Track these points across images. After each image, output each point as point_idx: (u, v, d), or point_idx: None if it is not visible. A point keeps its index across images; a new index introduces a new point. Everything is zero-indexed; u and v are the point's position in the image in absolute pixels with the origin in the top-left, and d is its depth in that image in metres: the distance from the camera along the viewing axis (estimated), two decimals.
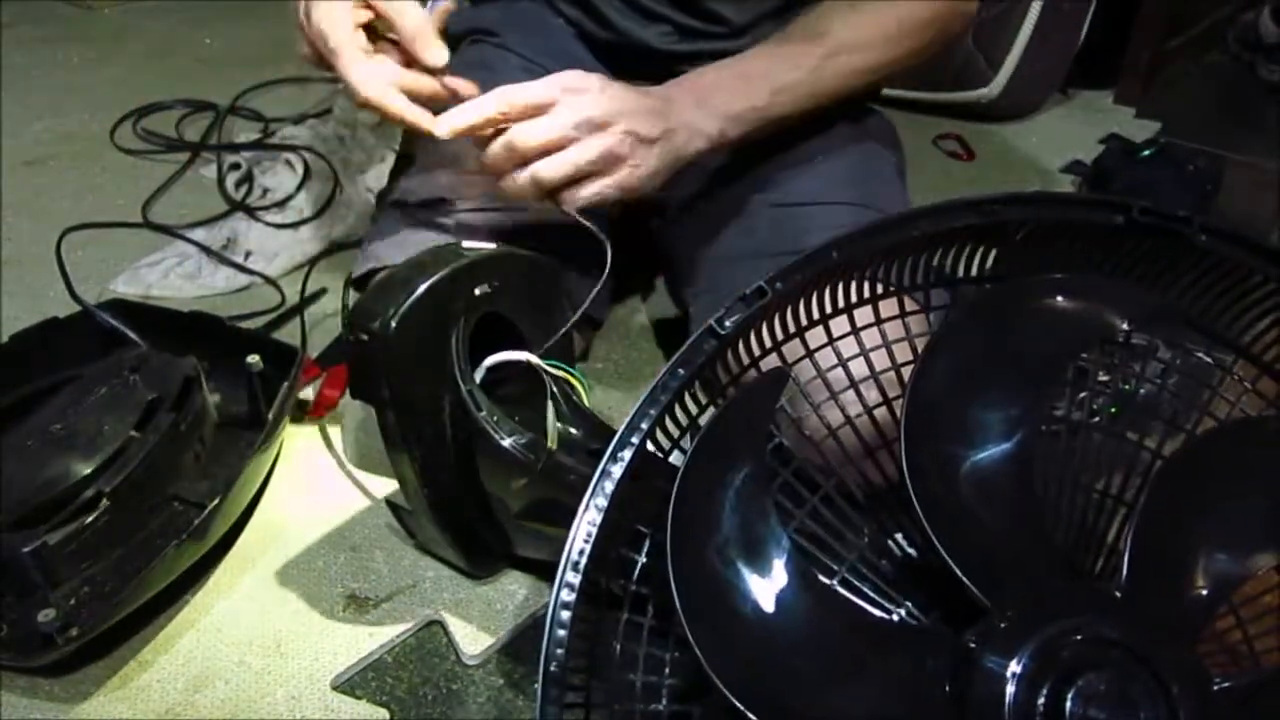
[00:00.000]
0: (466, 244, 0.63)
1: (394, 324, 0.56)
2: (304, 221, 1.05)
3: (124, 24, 1.71)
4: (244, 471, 0.67)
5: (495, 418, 0.59)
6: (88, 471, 0.64)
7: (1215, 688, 0.40)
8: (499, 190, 0.65)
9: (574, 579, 0.41)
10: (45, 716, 0.59)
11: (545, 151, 0.62)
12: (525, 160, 0.63)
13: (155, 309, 0.84)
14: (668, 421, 0.45)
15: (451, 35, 0.92)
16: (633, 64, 0.86)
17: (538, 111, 0.62)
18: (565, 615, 0.41)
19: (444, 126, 0.64)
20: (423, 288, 0.57)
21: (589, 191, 0.64)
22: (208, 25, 1.68)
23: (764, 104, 0.70)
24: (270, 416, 0.71)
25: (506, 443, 0.59)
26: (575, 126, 0.62)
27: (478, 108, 0.63)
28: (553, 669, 0.40)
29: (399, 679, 0.62)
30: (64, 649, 0.58)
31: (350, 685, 0.61)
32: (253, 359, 0.75)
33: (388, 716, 0.59)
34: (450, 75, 0.67)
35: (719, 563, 0.41)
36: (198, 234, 1.04)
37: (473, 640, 0.64)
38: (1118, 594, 0.42)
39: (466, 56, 0.90)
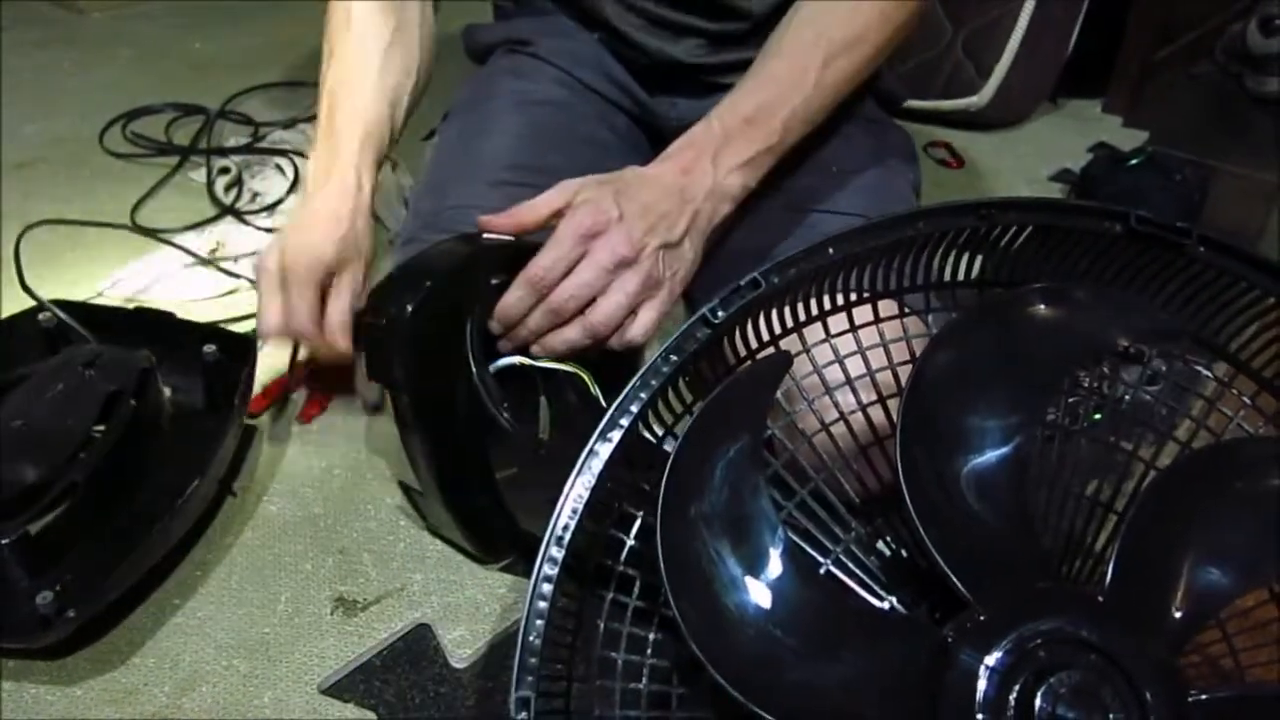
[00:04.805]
0: (486, 235, 0.64)
1: (410, 309, 0.57)
2: None
3: (114, 28, 1.70)
4: (217, 452, 0.69)
5: (505, 404, 0.60)
6: (58, 463, 0.65)
7: (1190, 699, 0.40)
8: (548, 347, 0.62)
9: (557, 553, 0.42)
10: (33, 718, 0.58)
11: (585, 306, 0.60)
12: (569, 319, 0.61)
13: (102, 307, 0.86)
14: (660, 407, 0.45)
15: (485, 45, 0.93)
16: (665, 80, 0.87)
17: (568, 269, 0.60)
18: (547, 588, 0.41)
19: (495, 326, 0.62)
20: (439, 275, 0.59)
21: (642, 324, 0.62)
22: (197, 30, 1.68)
23: (777, 140, 0.68)
24: (236, 400, 0.73)
25: (512, 428, 0.60)
26: (609, 271, 0.60)
27: (515, 302, 0.60)
28: (531, 639, 0.40)
29: (387, 682, 0.61)
30: (62, 631, 0.59)
31: (338, 689, 0.61)
32: (209, 348, 0.76)
33: None
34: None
35: (706, 533, 0.42)
36: (187, 238, 1.04)
37: (461, 643, 0.64)
38: (1100, 599, 0.42)
39: (501, 64, 0.91)
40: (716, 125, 0.67)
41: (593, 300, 0.60)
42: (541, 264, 0.59)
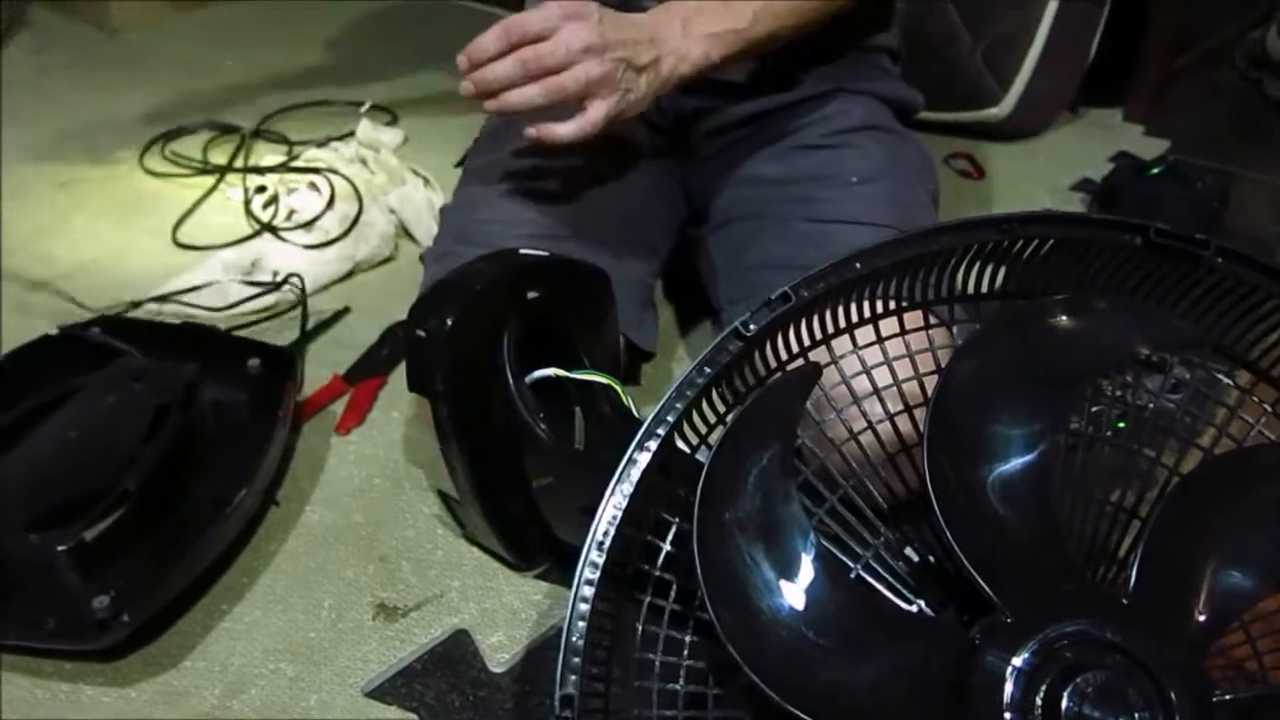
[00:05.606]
0: (523, 250, 0.67)
1: (450, 322, 0.60)
2: (330, 242, 1.07)
3: (148, 48, 1.74)
4: (262, 462, 0.72)
5: (541, 414, 0.62)
6: (111, 472, 0.68)
7: (1215, 699, 0.41)
8: (505, 101, 0.69)
9: (598, 558, 0.44)
10: (89, 718, 0.61)
11: (550, 72, 0.68)
12: (533, 77, 0.68)
13: (149, 323, 0.90)
14: (695, 418, 0.47)
15: None
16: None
17: (541, 37, 0.68)
18: (588, 591, 0.43)
19: (462, 61, 0.70)
20: (478, 289, 0.62)
21: (590, 116, 0.70)
22: (230, 50, 1.72)
23: (745, 25, 0.75)
24: (280, 412, 0.76)
25: (548, 438, 0.62)
26: (577, 51, 0.67)
27: (490, 40, 0.68)
28: (574, 639, 0.42)
29: (427, 686, 0.63)
30: (118, 634, 0.62)
31: (381, 691, 0.63)
32: (253, 362, 0.80)
33: None
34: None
35: (740, 538, 0.43)
36: (226, 254, 1.07)
37: (499, 648, 0.66)
38: (1124, 602, 0.43)
39: None
40: (693, 0, 0.75)
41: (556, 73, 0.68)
42: (520, 17, 0.68)
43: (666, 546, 0.48)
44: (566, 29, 0.68)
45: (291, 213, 1.12)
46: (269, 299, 1.01)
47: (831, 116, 0.88)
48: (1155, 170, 1.16)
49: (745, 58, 0.78)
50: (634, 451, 0.45)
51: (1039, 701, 0.40)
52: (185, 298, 1.00)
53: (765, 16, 0.75)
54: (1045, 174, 1.32)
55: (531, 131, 0.72)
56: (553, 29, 0.68)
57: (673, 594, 0.47)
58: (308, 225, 1.09)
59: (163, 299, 1.00)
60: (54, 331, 0.85)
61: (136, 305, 1.00)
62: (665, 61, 0.72)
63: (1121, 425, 0.55)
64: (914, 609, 0.48)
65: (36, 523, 0.65)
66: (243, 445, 0.74)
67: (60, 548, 0.63)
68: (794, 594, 0.43)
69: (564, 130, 0.71)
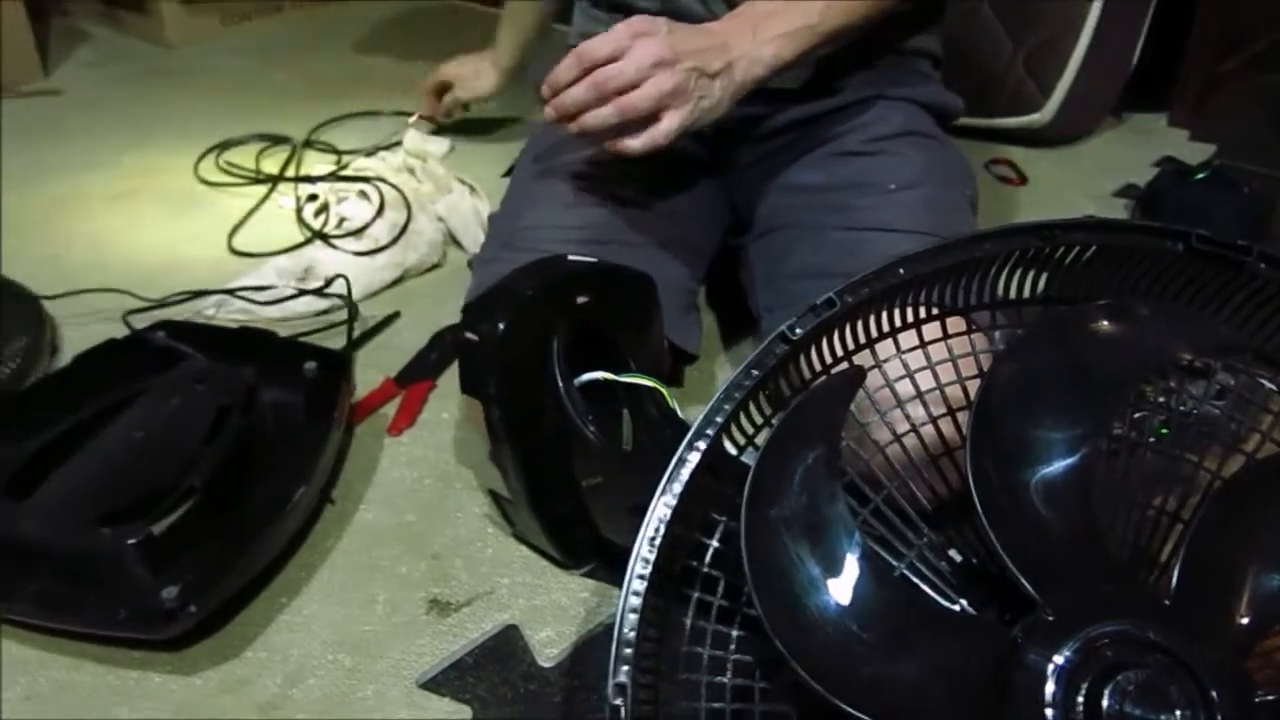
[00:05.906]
0: (571, 257, 0.69)
1: (502, 326, 0.62)
2: (379, 249, 1.10)
3: (201, 62, 1.80)
4: (319, 462, 0.75)
5: (589, 417, 0.64)
6: (176, 470, 0.71)
7: (1257, 700, 0.41)
8: (584, 124, 0.73)
9: (649, 554, 0.45)
10: (158, 714, 0.63)
11: (623, 90, 0.71)
12: (606, 98, 0.71)
13: (210, 327, 0.95)
14: (742, 419, 0.49)
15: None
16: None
17: (613, 58, 0.71)
18: (640, 584, 0.45)
19: (545, 90, 0.75)
20: (529, 294, 0.64)
21: (664, 128, 0.72)
22: (280, 63, 1.77)
23: (816, 20, 0.76)
24: (335, 414, 0.79)
25: (596, 440, 0.64)
26: (649, 67, 0.70)
27: (564, 71, 0.73)
28: (626, 631, 0.44)
29: (479, 679, 0.65)
30: (185, 624, 0.64)
31: (434, 683, 0.65)
32: (310, 365, 0.83)
33: (470, 713, 0.63)
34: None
35: (786, 537, 0.45)
36: (280, 261, 1.10)
37: (548, 644, 0.67)
38: (1166, 603, 0.44)
39: None
40: (763, 3, 0.77)
41: (629, 91, 0.71)
42: (592, 43, 0.72)
43: (714, 544, 0.49)
44: (636, 47, 0.70)
45: (342, 221, 1.16)
46: (321, 304, 1.04)
47: (871, 123, 0.89)
48: (1200, 175, 1.16)
49: (815, 54, 0.79)
50: (684, 451, 0.47)
51: (1080, 699, 0.41)
52: (242, 303, 1.04)
53: (834, 11, 0.77)
54: (1088, 180, 1.32)
55: (609, 146, 0.75)
56: (623, 49, 0.71)
57: (720, 590, 0.49)
58: (358, 233, 1.12)
59: (225, 292, 1.04)
60: (115, 335, 0.89)
61: (197, 295, 1.04)
62: (738, 65, 0.74)
63: (1164, 431, 0.55)
64: (957, 608, 0.49)
65: (107, 518, 0.68)
66: (300, 445, 0.77)
67: (130, 541, 0.66)
68: (839, 590, 0.45)
69: (635, 144, 0.73)
